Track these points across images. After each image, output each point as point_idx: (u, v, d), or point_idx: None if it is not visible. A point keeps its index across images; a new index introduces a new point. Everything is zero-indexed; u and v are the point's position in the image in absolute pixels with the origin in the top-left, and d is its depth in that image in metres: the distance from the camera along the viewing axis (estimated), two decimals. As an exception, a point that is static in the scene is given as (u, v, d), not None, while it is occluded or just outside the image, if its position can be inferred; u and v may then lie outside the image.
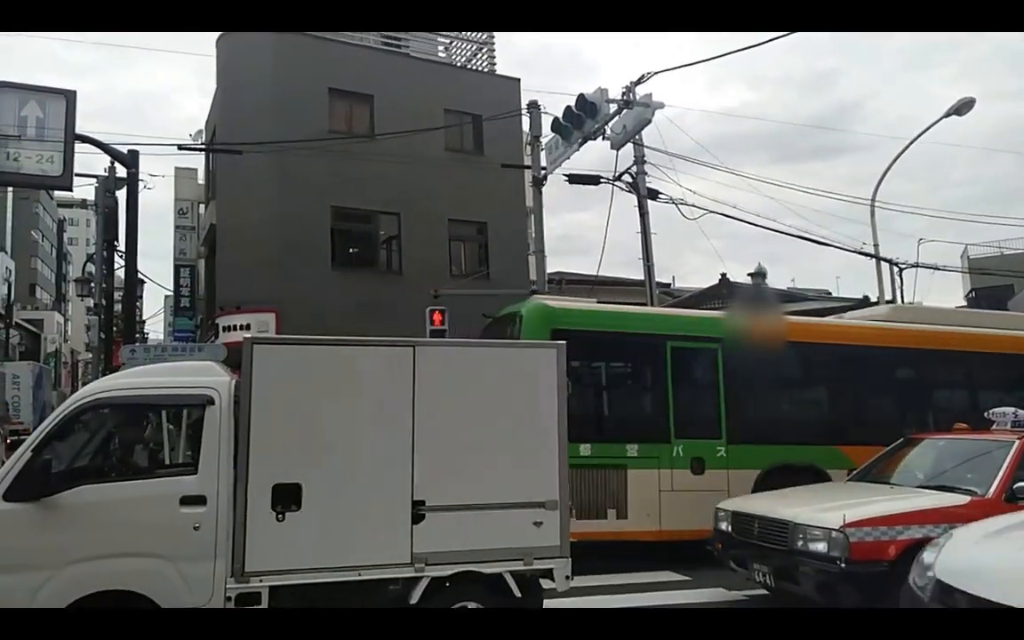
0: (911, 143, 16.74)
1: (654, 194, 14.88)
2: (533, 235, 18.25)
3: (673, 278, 35.57)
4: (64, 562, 4.87)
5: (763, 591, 7.52)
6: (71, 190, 16.82)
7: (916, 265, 20.04)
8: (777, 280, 34.38)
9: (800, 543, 6.56)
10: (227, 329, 19.45)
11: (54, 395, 43.89)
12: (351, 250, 21.78)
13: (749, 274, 21.26)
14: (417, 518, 5.52)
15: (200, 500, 5.15)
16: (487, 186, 21.78)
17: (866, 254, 17.72)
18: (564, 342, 6.33)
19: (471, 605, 5.60)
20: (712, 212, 15.23)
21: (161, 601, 4.98)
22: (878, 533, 6.30)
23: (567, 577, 5.83)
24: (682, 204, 14.80)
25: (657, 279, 15.84)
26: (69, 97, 15.32)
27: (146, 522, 5.07)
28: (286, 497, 5.29)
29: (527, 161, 19.16)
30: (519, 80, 24.21)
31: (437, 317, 15.80)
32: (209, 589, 5.08)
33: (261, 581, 5.20)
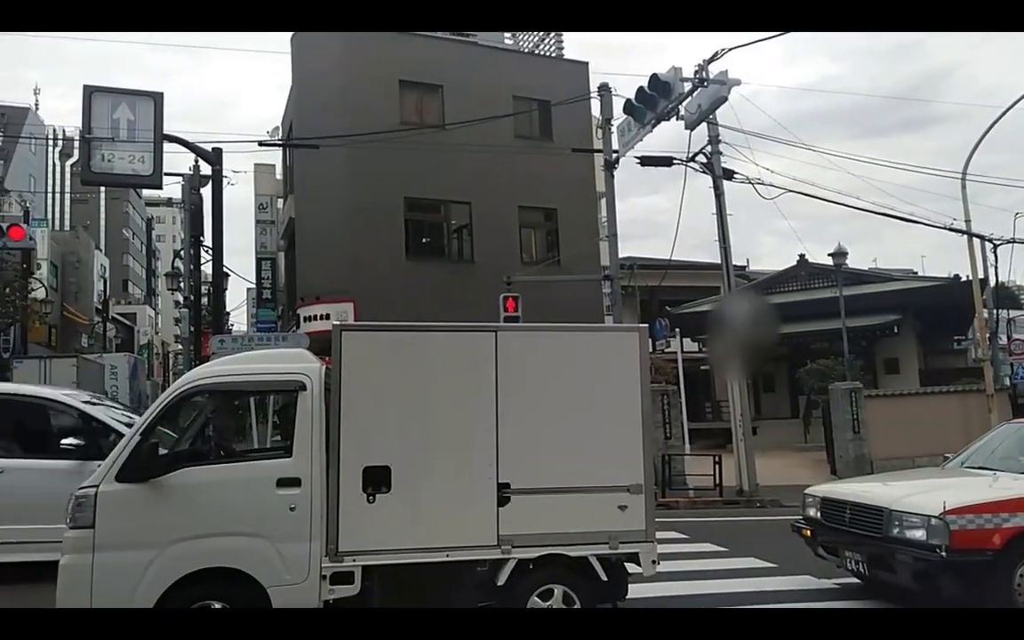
0: (1006, 112, 15.81)
1: (729, 174, 14.49)
2: (604, 220, 18.09)
3: (748, 260, 34.75)
4: (171, 540, 5.12)
5: (855, 580, 7.31)
6: (161, 188, 17.55)
7: (1012, 241, 18.95)
8: (859, 260, 33.10)
9: (896, 530, 6.32)
10: (308, 319, 20.05)
11: (148, 384, 46.15)
12: (423, 240, 22.11)
13: (829, 254, 20.52)
14: (502, 501, 5.58)
15: (295, 482, 5.33)
16: (556, 172, 21.72)
17: (956, 230, 16.85)
18: (646, 325, 6.30)
19: (557, 588, 5.63)
20: (790, 191, 14.76)
21: (261, 579, 5.18)
22: (982, 520, 6.01)
23: (653, 562, 5.79)
24: (758, 184, 14.38)
25: (733, 261, 15.42)
26: (157, 99, 15.96)
27: (245, 503, 5.29)
28: (376, 479, 5.42)
29: (597, 145, 18.99)
30: (587, 64, 24.03)
31: (510, 304, 15.88)
32: (305, 568, 5.26)
33: (354, 560, 5.35)
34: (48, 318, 38.63)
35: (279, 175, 28.45)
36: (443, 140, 20.50)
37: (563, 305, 17.18)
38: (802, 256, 26.59)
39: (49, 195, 48.50)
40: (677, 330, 16.97)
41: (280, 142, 24.69)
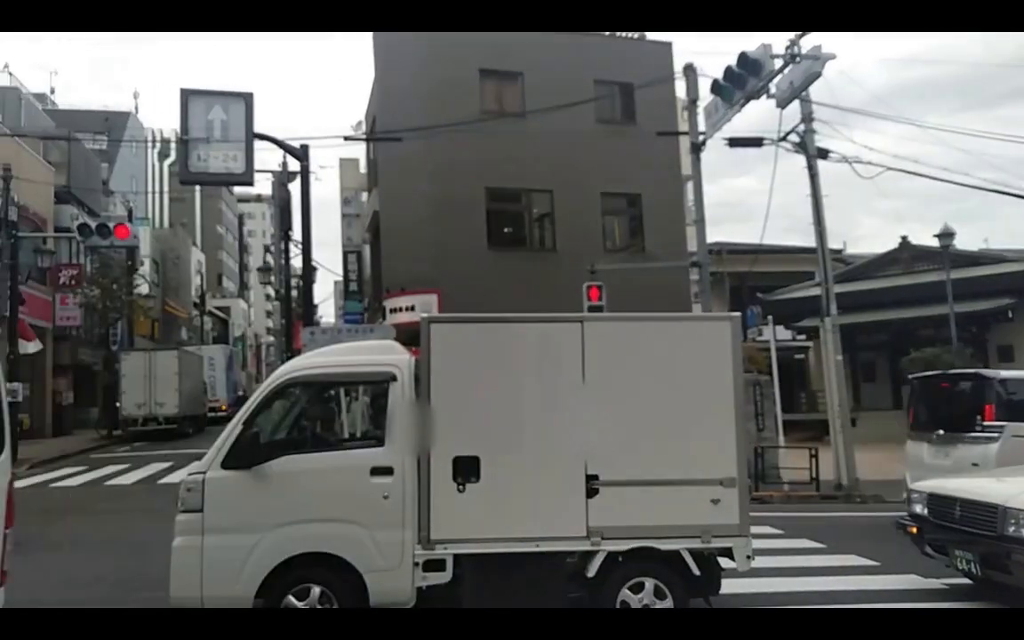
0: None
1: (824, 153, 13.86)
2: (691, 204, 17.67)
3: (845, 243, 33.37)
4: (272, 525, 5.31)
5: (965, 580, 6.90)
6: (252, 185, 18.17)
7: None
8: (968, 241, 31.13)
9: (1012, 528, 5.96)
10: (393, 310, 20.44)
11: (243, 375, 48.32)
12: (505, 229, 22.15)
13: (935, 235, 19.40)
14: (591, 492, 5.52)
15: (388, 471, 5.42)
16: (640, 156, 21.35)
17: (1077, 206, 15.62)
18: (739, 314, 6.13)
19: (648, 581, 5.54)
20: (890, 169, 14.00)
21: (357, 564, 5.31)
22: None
23: (748, 557, 5.63)
24: (856, 162, 13.69)
25: (829, 245, 14.76)
26: (247, 99, 16.52)
27: (341, 490, 5.42)
28: (466, 469, 5.45)
29: (683, 127, 18.55)
30: (671, 44, 23.42)
31: (594, 292, 15.72)
32: (399, 555, 5.35)
33: (445, 548, 5.41)
34: (151, 312, 40.86)
35: (363, 169, 29.08)
36: (524, 128, 20.47)
37: (648, 293, 16.85)
38: (904, 238, 25.27)
39: (149, 195, 51.08)
40: (770, 318, 16.40)
41: (364, 136, 25.21)
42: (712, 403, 5.71)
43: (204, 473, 5.37)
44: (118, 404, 27.44)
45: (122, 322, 34.27)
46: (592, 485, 5.52)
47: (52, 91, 48.15)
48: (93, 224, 21.90)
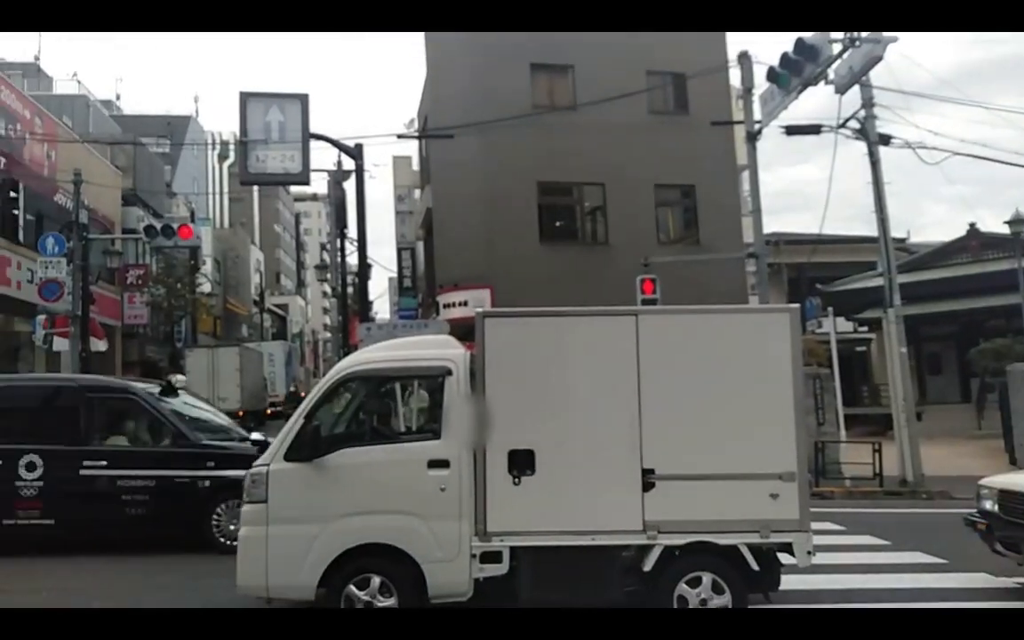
0: None
1: (886, 139, 13.43)
2: (747, 194, 17.35)
3: (908, 231, 32.37)
4: (333, 516, 5.45)
5: (1039, 579, 6.66)
6: (309, 184, 18.55)
7: None
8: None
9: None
10: (447, 306, 20.64)
11: (301, 370, 49.39)
12: (557, 223, 22.12)
13: (1005, 222, 18.63)
14: (647, 486, 5.50)
15: (444, 464, 5.50)
16: (694, 147, 21.04)
17: None
18: (797, 305, 6.04)
19: (706, 576, 5.49)
20: (957, 154, 13.50)
21: (415, 555, 5.41)
22: None
23: (808, 552, 5.53)
24: (920, 148, 13.25)
25: (891, 234, 14.31)
26: (303, 100, 16.88)
27: (399, 483, 5.52)
28: (521, 462, 5.49)
29: (737, 116, 18.22)
30: (724, 32, 22.98)
31: (648, 286, 15.59)
32: (456, 546, 5.43)
33: (502, 541, 5.46)
34: (213, 310, 42.12)
35: (416, 167, 29.42)
36: (575, 121, 20.38)
37: (703, 286, 16.65)
38: (972, 225, 24.37)
39: (210, 196, 52.59)
40: (830, 309, 16.00)
41: (416, 134, 25.48)
42: (770, 397, 5.62)
43: (268, 465, 5.54)
44: (183, 399, 28.34)
45: (186, 320, 35.48)
46: (648, 479, 5.50)
47: (118, 97, 49.98)
48: (158, 225, 22.64)
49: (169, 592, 7.00)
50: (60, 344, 20.35)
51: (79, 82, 38.50)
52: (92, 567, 8.20)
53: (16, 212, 23.06)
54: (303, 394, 36.05)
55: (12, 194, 22.90)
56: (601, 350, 5.73)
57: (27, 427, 8.85)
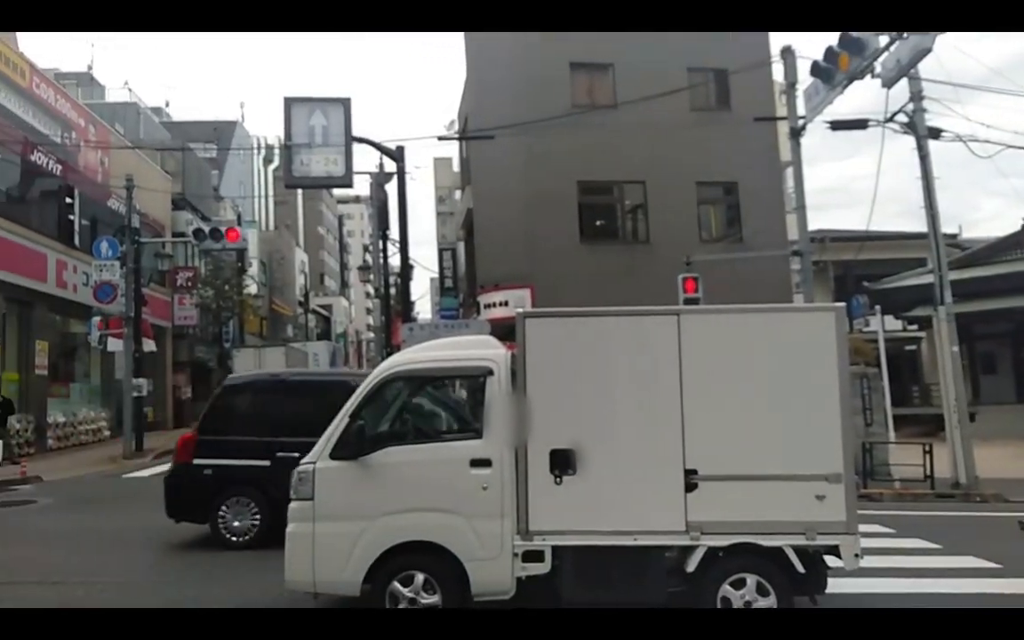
0: None
1: (936, 133, 13.10)
2: (791, 191, 17.07)
3: (960, 227, 31.41)
4: (378, 513, 5.54)
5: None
6: (352, 187, 18.81)
7: None
8: (1101, 221, 28.52)
9: None
10: (488, 306, 20.74)
11: (345, 370, 49.95)
12: (598, 222, 22.06)
13: (1063, 215, 17.98)
14: (690, 487, 5.47)
15: (486, 462, 5.55)
16: (736, 143, 20.78)
17: None
18: (843, 304, 5.93)
19: (750, 577, 5.44)
20: (1011, 147, 13.10)
21: (458, 553, 5.47)
22: None
23: (856, 555, 5.44)
24: (972, 141, 12.89)
25: (942, 229, 13.93)
26: (346, 104, 17.16)
27: (442, 481, 5.59)
28: (563, 462, 5.51)
29: (781, 111, 17.93)
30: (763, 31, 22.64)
31: (690, 284, 15.45)
32: (499, 545, 5.47)
33: (544, 540, 5.49)
34: (260, 311, 42.96)
35: (456, 168, 29.61)
36: (615, 120, 20.30)
37: (746, 284, 16.42)
38: (1027, 219, 23.57)
39: (255, 199, 53.63)
40: (877, 307, 15.65)
41: (457, 135, 25.64)
42: (816, 396, 5.54)
43: (314, 463, 5.66)
44: (231, 398, 28.96)
45: (234, 320, 36.27)
46: (691, 480, 5.47)
47: (167, 104, 51.32)
48: (207, 229, 23.21)
49: (221, 587, 7.19)
50: (114, 345, 21.03)
51: (130, 90, 39.61)
52: (149, 560, 8.47)
53: (72, 217, 23.83)
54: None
55: (68, 200, 23.69)
56: (643, 350, 5.71)
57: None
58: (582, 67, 21.64)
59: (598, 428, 5.62)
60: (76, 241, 23.69)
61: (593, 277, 18.95)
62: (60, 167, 22.94)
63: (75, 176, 23.96)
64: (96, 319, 20.72)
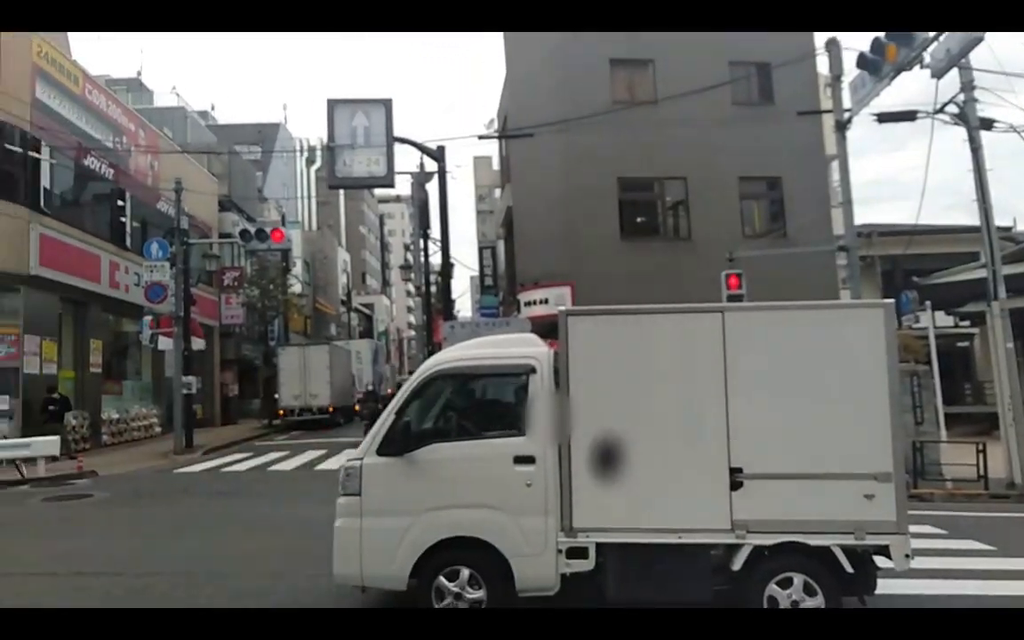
0: None
1: (988, 124, 12.71)
2: (837, 185, 16.75)
3: (1015, 220, 30.49)
4: (423, 509, 5.62)
5: None
6: (393, 187, 19.01)
7: None
8: None
9: None
10: (528, 304, 20.77)
11: (387, 368, 50.62)
12: (638, 219, 21.92)
13: (1124, 206, 17.31)
14: (735, 485, 5.44)
15: (530, 460, 5.59)
16: (780, 137, 20.46)
17: None
18: (892, 300, 5.84)
19: (797, 577, 5.39)
20: (1069, 136, 12.62)
21: (503, 549, 5.52)
22: None
23: (906, 556, 5.35)
24: (1027, 131, 12.47)
25: (995, 222, 13.53)
26: (387, 105, 17.36)
27: (487, 478, 5.65)
28: (606, 459, 5.53)
29: (826, 104, 17.58)
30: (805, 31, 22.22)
31: (733, 281, 15.27)
32: (543, 541, 5.51)
33: (588, 537, 5.51)
34: (304, 310, 43.69)
35: (496, 166, 29.68)
36: (656, 116, 20.14)
37: (791, 280, 16.14)
38: (1085, 211, 22.73)
39: (298, 200, 54.52)
40: (927, 303, 15.27)
41: (497, 134, 25.71)
42: (864, 394, 5.47)
43: (361, 459, 5.77)
44: (277, 396, 29.60)
45: (279, 319, 36.94)
46: (736, 478, 5.44)
47: (212, 108, 52.45)
48: (252, 230, 23.74)
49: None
50: (165, 343, 21.61)
51: (178, 95, 40.63)
52: (207, 552, 8.72)
53: (123, 220, 24.59)
54: (390, 391, 36.97)
55: (120, 203, 24.44)
56: (687, 347, 5.70)
57: None
58: (622, 63, 21.53)
59: (642, 426, 5.62)
60: (128, 243, 24.43)
61: (634, 274, 18.84)
62: (112, 171, 23.65)
63: (126, 179, 24.69)
64: (147, 318, 21.32)
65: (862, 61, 13.30)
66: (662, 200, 21.92)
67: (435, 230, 21.10)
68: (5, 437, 17.39)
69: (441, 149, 18.14)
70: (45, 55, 20.66)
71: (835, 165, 16.68)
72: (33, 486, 14.65)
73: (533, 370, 5.76)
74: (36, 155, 19.64)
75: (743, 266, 15.91)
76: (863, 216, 21.02)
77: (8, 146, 18.74)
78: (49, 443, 15.89)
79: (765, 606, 5.39)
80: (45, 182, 20.32)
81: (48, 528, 10.81)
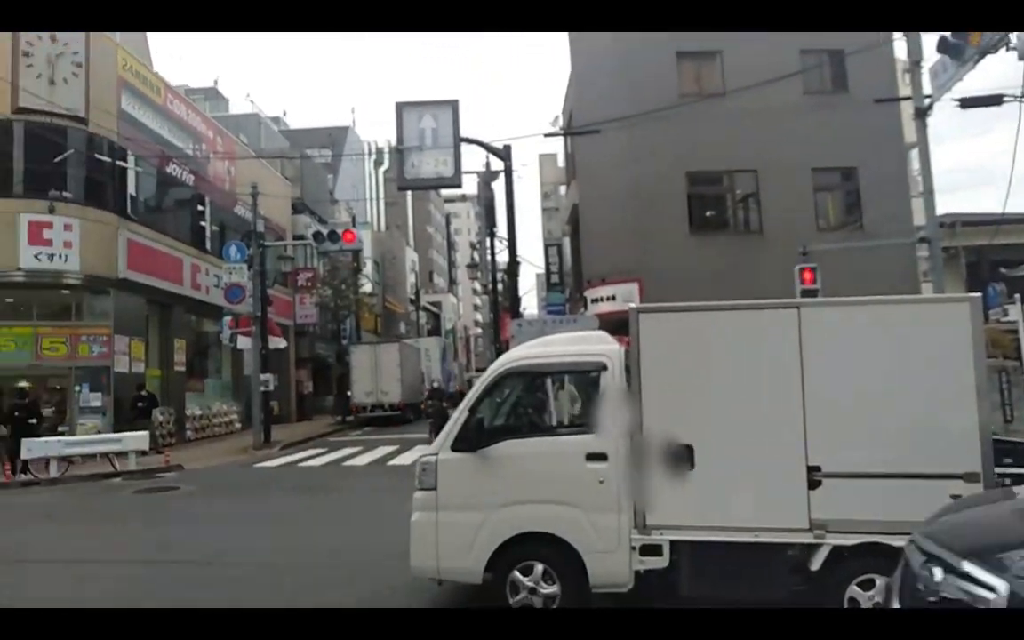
0: None
1: (1083, 105, 12.07)
2: (917, 174, 16.12)
3: (1111, 206, 28.64)
4: (497, 505, 5.72)
5: None
6: (461, 187, 19.25)
7: None
8: None
9: None
10: (595, 301, 20.73)
11: (455, 365, 51.21)
12: (707, 213, 21.61)
13: None
14: (813, 484, 5.34)
15: (602, 457, 5.62)
16: (855, 126, 19.86)
17: None
18: (978, 294, 5.62)
19: (880, 578, 5.26)
20: None
21: (576, 545, 5.56)
22: None
23: (997, 558, 5.15)
24: None
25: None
26: (454, 106, 17.62)
27: (559, 474, 5.70)
28: (679, 457, 5.49)
29: (904, 91, 16.94)
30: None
31: (808, 275, 14.91)
32: (616, 538, 5.53)
33: (661, 534, 5.51)
34: (374, 309, 44.62)
35: (561, 163, 29.67)
36: (724, 108, 19.82)
37: (869, 274, 15.68)
38: None
39: (368, 201, 55.66)
40: (1016, 296, 14.57)
41: (563, 132, 25.70)
42: (949, 392, 5.29)
43: (437, 455, 5.90)
44: (349, 393, 30.34)
45: (350, 318, 37.84)
46: (814, 476, 5.34)
47: (284, 113, 54.07)
48: (325, 231, 24.38)
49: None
50: (243, 343, 22.44)
51: (252, 102, 42.03)
52: (292, 543, 9.06)
53: (203, 224, 25.64)
54: (459, 389, 37.35)
55: (200, 208, 25.49)
56: (761, 344, 5.62)
57: None
58: (689, 56, 21.25)
59: (715, 423, 5.57)
60: (208, 246, 25.46)
61: (703, 269, 18.59)
62: (192, 177, 24.70)
63: (205, 185, 25.74)
64: (227, 319, 22.18)
65: (943, 45, 12.76)
66: (732, 193, 21.55)
67: (501, 228, 21.30)
68: (99, 432, 18.40)
69: (507, 148, 18.28)
70: (129, 68, 21.73)
71: (914, 153, 16.05)
72: (125, 479, 15.47)
73: (604, 367, 5.78)
74: (123, 164, 20.68)
75: (817, 260, 15.53)
76: (945, 205, 20.09)
77: (98, 156, 19.79)
78: (139, 438, 16.75)
79: (845, 607, 5.28)
80: (131, 189, 21.39)
81: (141, 519, 11.42)
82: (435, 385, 25.76)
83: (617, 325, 6.07)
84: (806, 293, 14.53)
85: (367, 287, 41.83)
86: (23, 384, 16.64)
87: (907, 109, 16.00)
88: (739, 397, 5.59)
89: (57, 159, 19.08)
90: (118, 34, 21.31)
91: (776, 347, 5.55)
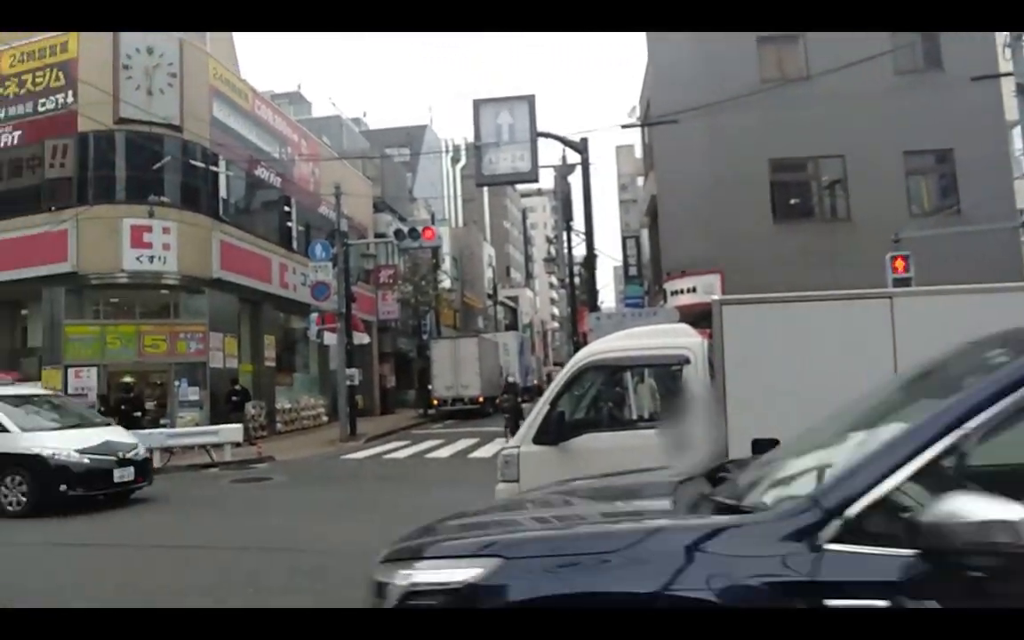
0: None
1: None
2: (1019, 154, 15.23)
3: None
4: (580, 498, 5.75)
5: None
6: (537, 181, 19.31)
7: None
8: None
9: None
10: (675, 293, 20.45)
11: (532, 359, 51.40)
12: (791, 201, 20.98)
13: None
14: (908, 480, 5.16)
15: (686, 451, 5.58)
16: (950, 106, 18.85)
17: None
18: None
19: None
20: None
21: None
22: None
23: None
24: None
25: None
26: (530, 101, 17.67)
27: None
28: (765, 452, 5.40)
29: (1004, 67, 16.02)
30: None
31: (899, 263, 14.32)
32: (705, 535, 5.48)
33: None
34: (453, 304, 45.26)
35: (638, 154, 29.35)
36: (808, 92, 19.14)
37: (967, 261, 14.90)
38: None
39: (446, 198, 56.45)
40: None
41: (640, 123, 25.42)
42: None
43: (519, 448, 5.99)
44: (430, 386, 30.92)
45: (430, 314, 38.53)
46: (911, 473, 5.17)
47: (364, 114, 55.41)
48: (405, 229, 24.89)
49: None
50: (329, 338, 23.18)
51: (333, 104, 43.27)
52: (387, 534, 9.35)
53: (290, 224, 26.61)
54: (536, 383, 37.39)
55: (286, 208, 26.46)
56: (852, 336, 5.45)
57: None
58: (770, 40, 20.61)
59: (803, 417, 5.43)
60: (294, 245, 26.41)
61: (788, 259, 18.06)
62: (279, 179, 25.65)
63: (291, 187, 26.69)
64: (314, 315, 22.96)
65: (1050, 15, 12.02)
66: (817, 180, 20.85)
67: (578, 222, 21.25)
68: (197, 425, 19.40)
69: (584, 141, 18.26)
70: (220, 76, 22.73)
71: (1017, 132, 15.17)
72: (221, 469, 16.26)
73: (687, 360, 5.75)
74: (215, 168, 21.68)
75: (910, 247, 14.88)
76: (1052, 186, 18.90)
77: (192, 162, 20.82)
78: (233, 430, 17.56)
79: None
80: (223, 193, 22.41)
81: (238, 507, 11.99)
82: (510, 380, 25.99)
83: (698, 318, 6.01)
84: (898, 282, 13.95)
85: (446, 283, 42.47)
86: (128, 379, 17.70)
87: (1007, 85, 15.14)
88: (828, 391, 5.43)
89: (155, 166, 20.18)
90: (208, 44, 22.34)
91: (868, 339, 5.38)
